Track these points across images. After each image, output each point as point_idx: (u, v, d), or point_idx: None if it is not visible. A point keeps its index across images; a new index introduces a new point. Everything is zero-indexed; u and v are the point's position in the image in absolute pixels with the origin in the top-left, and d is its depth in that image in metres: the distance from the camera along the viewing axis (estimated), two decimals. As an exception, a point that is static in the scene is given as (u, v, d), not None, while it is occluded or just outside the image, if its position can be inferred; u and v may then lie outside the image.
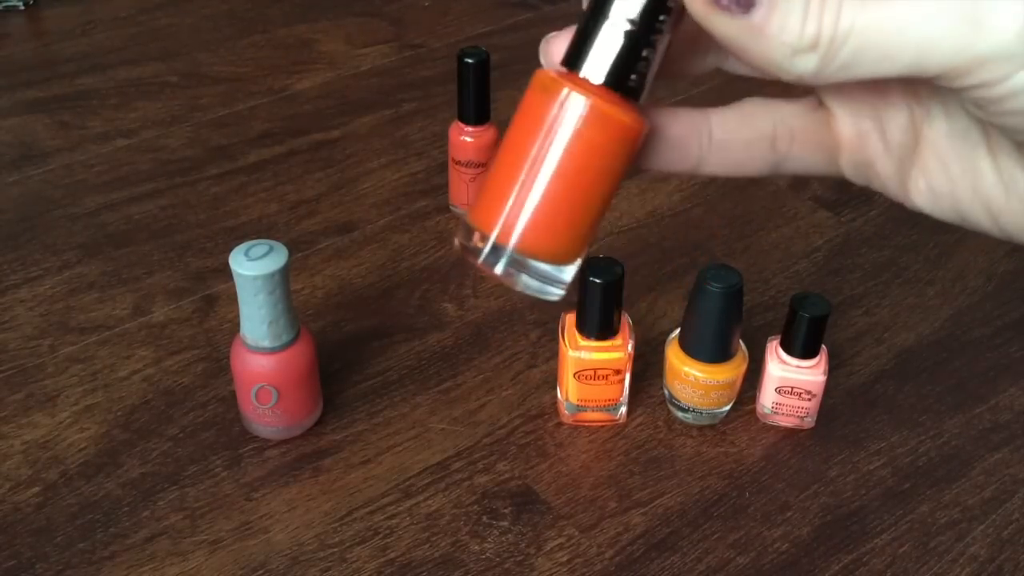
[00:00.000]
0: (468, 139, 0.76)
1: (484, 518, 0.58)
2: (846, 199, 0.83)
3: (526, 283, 0.28)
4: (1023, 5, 0.23)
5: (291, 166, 0.86)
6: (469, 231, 0.29)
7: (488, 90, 0.75)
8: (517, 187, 0.27)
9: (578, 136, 0.27)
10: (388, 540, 0.57)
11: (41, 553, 0.56)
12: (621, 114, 0.27)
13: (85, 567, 0.55)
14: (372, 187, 0.83)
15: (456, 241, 0.29)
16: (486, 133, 0.76)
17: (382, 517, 0.58)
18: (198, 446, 0.62)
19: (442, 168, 0.84)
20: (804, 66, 0.25)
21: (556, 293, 0.29)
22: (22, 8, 1.07)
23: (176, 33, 1.05)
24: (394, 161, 0.86)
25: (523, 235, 0.28)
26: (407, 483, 0.60)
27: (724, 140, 0.30)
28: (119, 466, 0.60)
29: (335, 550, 0.56)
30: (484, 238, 0.28)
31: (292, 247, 0.74)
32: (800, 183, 0.84)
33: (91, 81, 0.96)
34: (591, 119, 0.27)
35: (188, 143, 0.88)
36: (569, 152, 0.27)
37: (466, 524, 0.58)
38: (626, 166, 0.28)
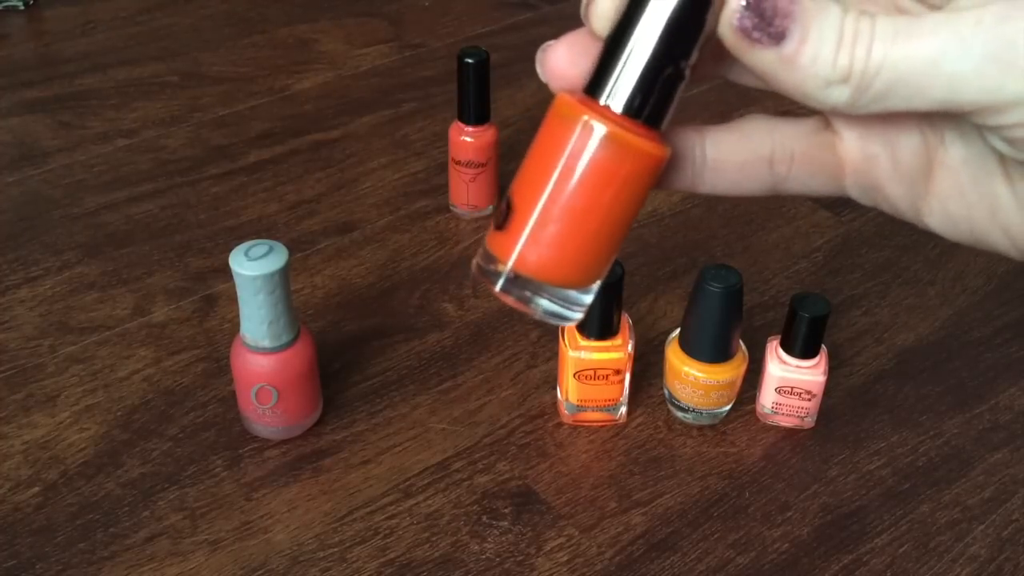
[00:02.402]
0: (468, 139, 0.76)
1: (484, 518, 0.58)
2: (846, 199, 0.82)
3: (545, 308, 0.28)
4: None
5: (291, 166, 0.86)
6: (488, 256, 0.28)
7: (488, 90, 0.75)
8: (536, 213, 0.27)
9: (597, 165, 0.26)
10: (388, 540, 0.57)
11: (41, 553, 0.56)
12: (641, 143, 0.26)
13: (85, 567, 0.55)
14: (372, 187, 0.83)
15: (474, 264, 0.29)
16: (486, 133, 0.76)
17: (382, 517, 0.58)
18: (198, 446, 0.62)
19: (442, 168, 0.84)
20: (837, 97, 0.24)
21: (575, 317, 0.29)
22: (22, 8, 1.07)
23: (176, 33, 1.05)
24: (394, 161, 0.86)
25: (541, 262, 0.27)
26: (407, 483, 0.60)
27: (719, 160, 0.29)
28: (119, 466, 0.60)
29: (335, 550, 0.56)
30: (502, 264, 0.28)
31: (292, 247, 0.74)
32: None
33: (91, 81, 0.96)
34: (611, 148, 0.26)
35: (188, 143, 0.88)
36: (588, 180, 0.26)
37: (466, 524, 0.58)
38: (647, 192, 0.27)
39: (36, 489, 0.59)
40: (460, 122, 0.76)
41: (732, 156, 0.29)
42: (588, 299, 0.29)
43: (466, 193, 0.79)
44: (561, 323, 0.29)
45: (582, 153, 0.26)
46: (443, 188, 0.82)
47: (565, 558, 0.57)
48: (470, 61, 0.73)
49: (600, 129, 0.26)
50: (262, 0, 1.11)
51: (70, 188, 0.82)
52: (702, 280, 0.58)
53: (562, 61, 0.27)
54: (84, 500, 0.59)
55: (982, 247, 0.29)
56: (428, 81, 0.97)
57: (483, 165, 0.77)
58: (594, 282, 0.29)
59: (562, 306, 0.28)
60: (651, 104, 0.26)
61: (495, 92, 0.76)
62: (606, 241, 0.28)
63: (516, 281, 0.28)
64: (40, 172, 0.84)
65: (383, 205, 0.81)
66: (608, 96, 0.26)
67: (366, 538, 0.57)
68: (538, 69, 0.28)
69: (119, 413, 0.64)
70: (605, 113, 0.26)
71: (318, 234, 0.78)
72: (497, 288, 0.28)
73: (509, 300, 0.28)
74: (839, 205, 0.82)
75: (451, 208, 0.81)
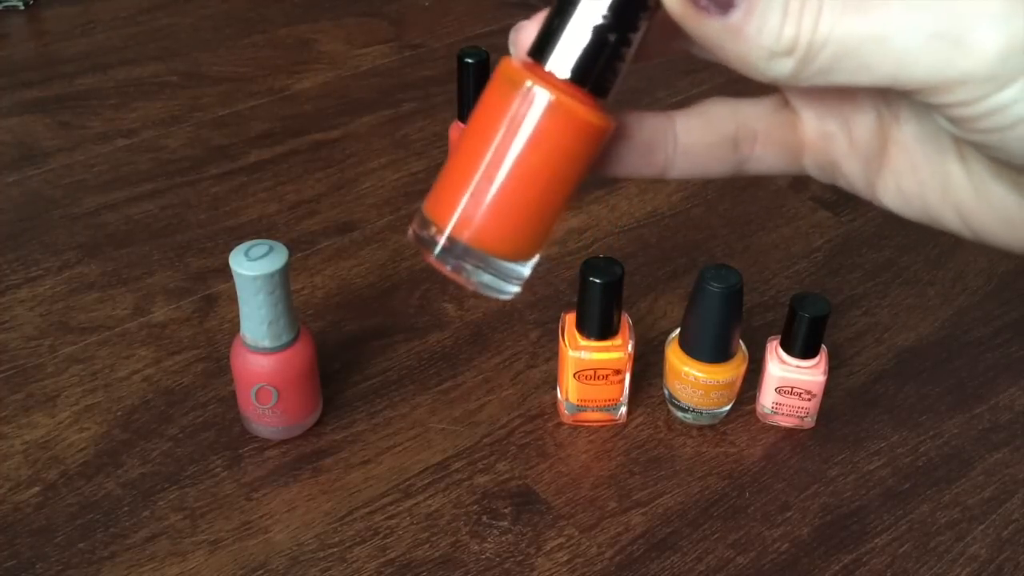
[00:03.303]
0: (468, 139, 0.76)
1: (484, 518, 0.58)
2: (846, 199, 0.83)
3: (480, 280, 0.27)
4: (1005, 25, 0.23)
5: (291, 166, 0.86)
6: (425, 222, 0.27)
7: (488, 90, 0.75)
8: (475, 180, 0.26)
9: (540, 131, 0.26)
10: (388, 540, 0.57)
11: (41, 553, 0.56)
12: (586, 111, 0.26)
13: (85, 567, 0.55)
14: (372, 187, 0.83)
15: (410, 231, 0.28)
16: (486, 133, 0.76)
17: (382, 517, 0.58)
18: (198, 446, 0.62)
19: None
20: (780, 69, 0.24)
21: (511, 291, 0.28)
22: (22, 8, 1.07)
23: (176, 33, 1.05)
24: (394, 161, 0.86)
25: (479, 230, 0.26)
26: (407, 483, 0.60)
27: (688, 144, 0.29)
28: (119, 466, 0.60)
29: (335, 550, 0.56)
30: (439, 231, 0.27)
31: (292, 247, 0.74)
32: (800, 183, 0.84)
33: (91, 81, 0.96)
34: (554, 115, 0.25)
35: (188, 143, 0.88)
36: (530, 147, 0.26)
37: (466, 524, 0.58)
38: (590, 164, 0.27)
39: (36, 489, 0.59)
40: (460, 122, 0.76)
41: (700, 139, 0.29)
42: (526, 272, 0.28)
43: (466, 193, 0.78)
44: (497, 296, 0.28)
45: (524, 119, 0.26)
46: (443, 188, 0.82)
47: (565, 558, 0.57)
48: (470, 61, 0.73)
49: (543, 95, 0.25)
50: (262, 0, 1.11)
51: (70, 188, 0.82)
52: (702, 280, 0.58)
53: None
54: (84, 500, 0.59)
55: (935, 226, 0.29)
56: (428, 81, 0.97)
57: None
58: (533, 255, 0.28)
59: (499, 278, 0.27)
60: (595, 72, 0.26)
61: (495, 92, 0.76)
62: (545, 212, 0.27)
63: (453, 249, 0.27)
64: (40, 172, 0.84)
65: (383, 205, 0.81)
66: (553, 62, 0.26)
67: (366, 538, 0.57)
68: (511, 49, 0.28)
69: (119, 413, 0.64)
70: (549, 79, 0.26)
71: (318, 234, 0.78)
72: (433, 256, 0.27)
73: (445, 269, 0.27)
74: (839, 205, 0.82)
75: (451, 208, 0.81)
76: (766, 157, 0.30)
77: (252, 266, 0.55)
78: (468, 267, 0.27)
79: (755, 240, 0.79)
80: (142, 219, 0.79)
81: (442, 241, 0.27)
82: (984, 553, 0.58)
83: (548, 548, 0.57)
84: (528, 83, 0.26)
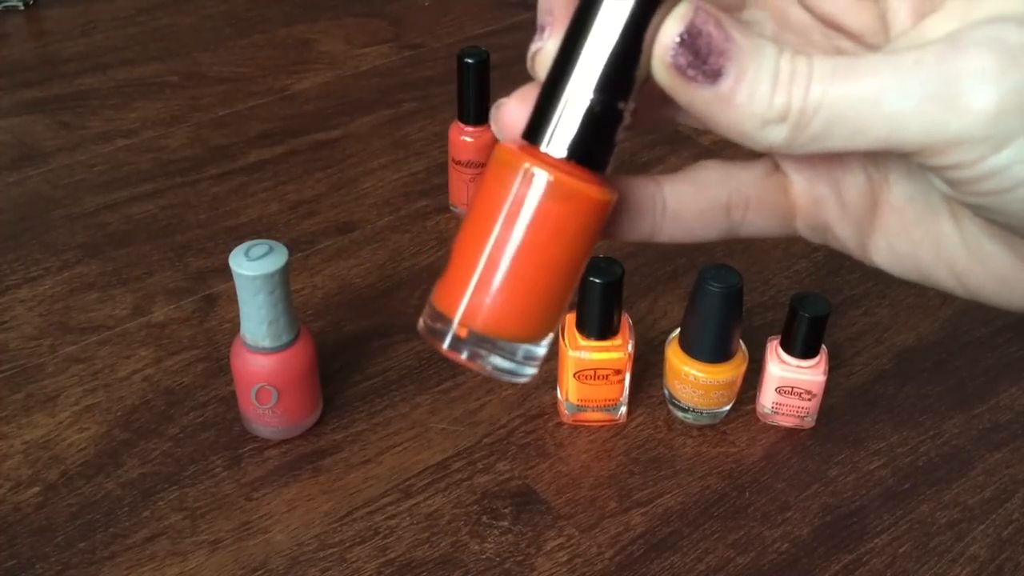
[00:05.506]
0: (468, 139, 0.76)
1: (484, 518, 0.58)
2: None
3: (496, 365, 0.27)
4: (997, 84, 0.22)
5: (291, 166, 0.86)
6: (434, 314, 0.27)
7: (488, 90, 0.75)
8: (481, 266, 0.26)
9: (543, 212, 0.25)
10: (388, 540, 0.57)
11: (41, 553, 0.56)
12: (586, 187, 0.26)
13: (85, 567, 0.55)
14: (372, 187, 0.83)
15: (420, 322, 0.28)
16: (486, 133, 0.76)
17: (382, 517, 0.58)
18: (198, 446, 0.62)
19: (442, 168, 0.84)
20: (775, 137, 0.24)
21: (528, 373, 0.28)
22: (22, 8, 1.07)
23: (176, 33, 1.05)
24: (394, 161, 0.86)
25: (489, 316, 0.26)
26: (407, 483, 0.60)
27: (678, 210, 0.28)
28: (119, 466, 0.60)
29: (335, 550, 0.56)
30: (449, 321, 0.27)
31: (292, 247, 0.74)
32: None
33: (91, 81, 0.96)
34: (555, 194, 0.25)
35: (188, 143, 0.88)
36: (534, 229, 0.26)
37: (466, 524, 0.58)
38: (595, 237, 0.27)
39: (36, 489, 0.59)
40: (460, 122, 0.76)
41: (690, 205, 0.29)
42: (541, 351, 0.28)
43: (466, 193, 0.79)
44: (514, 380, 0.28)
45: (524, 201, 0.25)
46: (443, 188, 0.82)
47: (565, 558, 0.57)
48: (470, 61, 0.73)
49: (542, 176, 0.25)
50: (262, 0, 1.11)
51: (70, 188, 0.82)
52: (702, 280, 0.58)
53: (516, 116, 0.27)
54: (84, 500, 0.59)
55: (929, 284, 0.28)
56: (428, 81, 0.97)
57: (483, 165, 0.77)
58: (547, 334, 0.27)
59: (515, 362, 0.27)
60: (592, 148, 0.26)
61: (495, 92, 0.76)
62: (555, 290, 0.27)
63: (465, 339, 0.26)
64: (40, 172, 0.84)
65: (383, 205, 0.81)
66: (548, 141, 0.26)
67: (366, 538, 0.57)
68: (493, 127, 0.27)
69: (119, 413, 0.64)
70: (546, 159, 0.25)
71: (318, 234, 0.78)
72: (444, 346, 0.27)
73: (459, 359, 0.27)
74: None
75: (451, 208, 0.81)
76: (758, 221, 0.29)
77: (252, 266, 0.55)
78: (483, 354, 0.27)
79: (755, 240, 0.79)
80: (142, 219, 0.79)
81: (452, 330, 0.27)
82: (984, 553, 0.58)
83: (548, 548, 0.57)
84: (526, 164, 0.25)
